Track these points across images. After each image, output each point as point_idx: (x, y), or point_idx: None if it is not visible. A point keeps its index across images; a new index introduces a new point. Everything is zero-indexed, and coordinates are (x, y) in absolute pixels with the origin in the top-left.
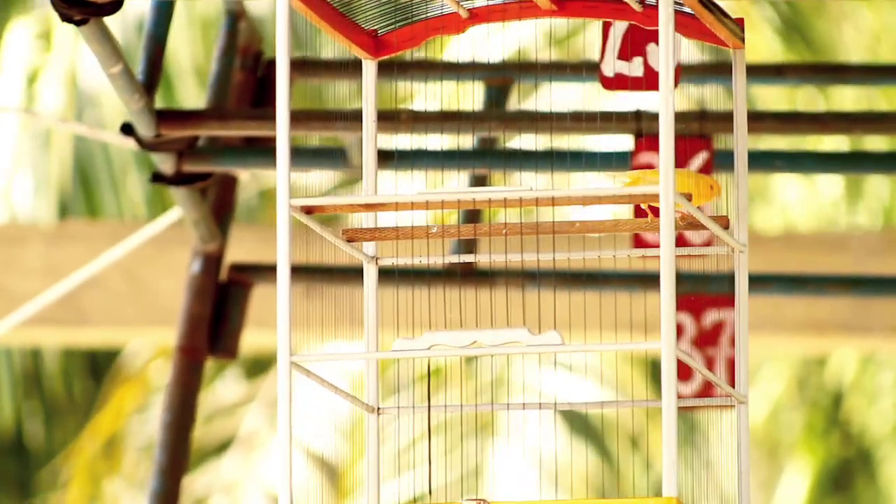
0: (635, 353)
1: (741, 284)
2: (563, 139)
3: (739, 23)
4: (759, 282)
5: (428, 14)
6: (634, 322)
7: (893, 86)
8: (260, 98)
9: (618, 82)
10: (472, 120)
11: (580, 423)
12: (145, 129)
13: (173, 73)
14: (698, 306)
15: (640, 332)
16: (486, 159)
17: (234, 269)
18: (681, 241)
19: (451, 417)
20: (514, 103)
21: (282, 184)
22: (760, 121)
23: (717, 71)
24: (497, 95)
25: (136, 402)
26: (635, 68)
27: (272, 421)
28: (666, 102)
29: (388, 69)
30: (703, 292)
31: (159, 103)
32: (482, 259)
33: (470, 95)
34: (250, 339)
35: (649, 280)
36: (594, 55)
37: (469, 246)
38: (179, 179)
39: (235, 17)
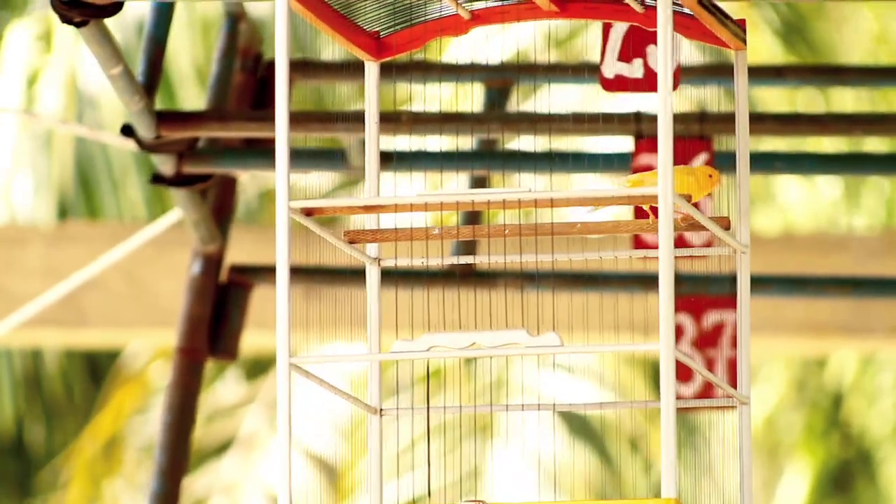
0: (635, 355)
1: (743, 285)
2: (562, 141)
3: (741, 24)
4: (760, 283)
5: (429, 16)
6: (634, 323)
7: (893, 87)
8: (260, 99)
9: (618, 84)
10: (472, 121)
11: (579, 425)
12: (145, 131)
13: (173, 75)
14: (698, 307)
15: (641, 333)
16: (486, 161)
17: (234, 271)
18: (681, 243)
19: (450, 419)
20: (514, 105)
21: (281, 185)
22: (761, 122)
23: (718, 72)
24: (497, 97)
25: (136, 402)
26: (635, 70)
27: (272, 422)
28: (664, 104)
29: (388, 71)
30: (703, 293)
31: (159, 105)
32: (482, 260)
33: (470, 97)
34: (250, 341)
35: (649, 281)
36: (594, 57)
37: (469, 247)
38: (179, 181)
39: (235, 18)
